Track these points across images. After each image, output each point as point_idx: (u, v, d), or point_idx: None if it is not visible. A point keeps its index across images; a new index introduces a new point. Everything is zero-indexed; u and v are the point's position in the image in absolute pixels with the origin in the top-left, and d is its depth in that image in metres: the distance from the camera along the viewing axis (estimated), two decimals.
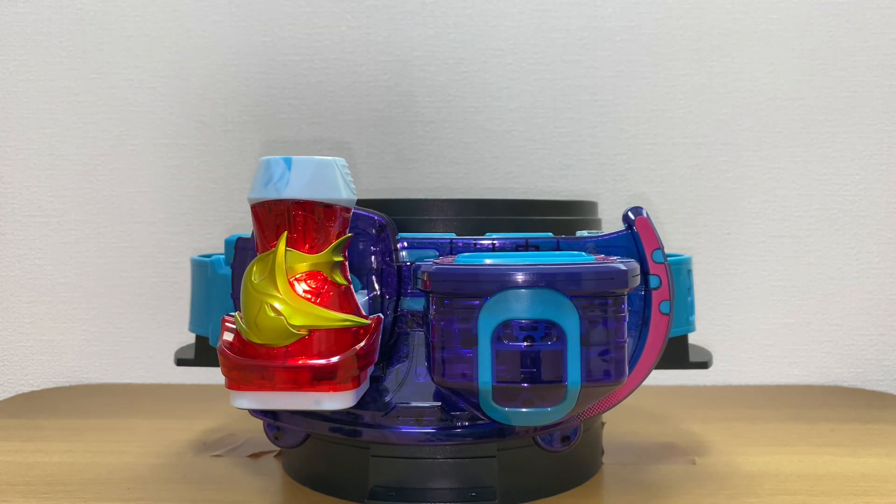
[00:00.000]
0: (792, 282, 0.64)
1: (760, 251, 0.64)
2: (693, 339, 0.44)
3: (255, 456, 0.45)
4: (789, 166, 0.63)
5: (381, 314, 0.33)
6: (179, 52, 0.64)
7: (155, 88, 0.65)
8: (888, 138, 0.63)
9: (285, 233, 0.30)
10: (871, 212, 0.63)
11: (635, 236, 0.35)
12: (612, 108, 0.64)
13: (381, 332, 0.32)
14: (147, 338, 0.65)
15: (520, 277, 0.30)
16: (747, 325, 0.64)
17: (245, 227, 0.63)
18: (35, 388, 0.66)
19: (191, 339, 0.47)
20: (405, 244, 0.35)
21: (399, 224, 0.36)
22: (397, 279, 0.35)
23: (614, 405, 0.34)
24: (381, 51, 0.64)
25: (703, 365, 0.42)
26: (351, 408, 0.32)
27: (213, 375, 0.48)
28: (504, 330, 0.30)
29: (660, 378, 0.61)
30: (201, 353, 0.43)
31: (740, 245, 0.64)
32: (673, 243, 0.63)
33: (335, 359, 0.30)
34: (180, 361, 0.44)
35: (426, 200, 0.39)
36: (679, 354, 0.41)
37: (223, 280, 0.38)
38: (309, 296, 0.30)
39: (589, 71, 0.64)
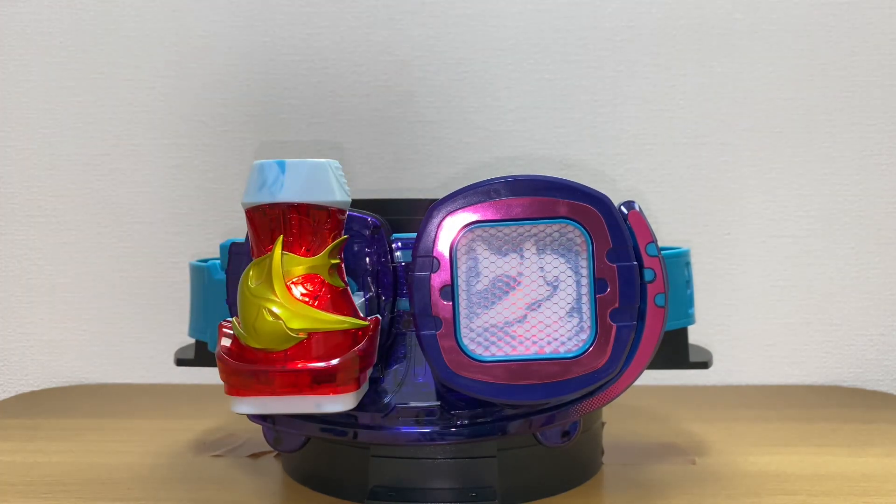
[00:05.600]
0: (792, 282, 0.64)
1: (760, 251, 0.64)
2: (693, 339, 0.44)
3: (254, 456, 0.45)
4: (789, 166, 0.63)
5: (378, 315, 0.33)
6: (179, 52, 0.64)
7: (155, 88, 0.65)
8: (888, 138, 0.63)
9: (281, 236, 0.30)
10: (871, 212, 0.63)
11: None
12: (612, 108, 0.64)
13: (379, 333, 0.32)
14: (147, 338, 0.65)
15: None
16: (747, 325, 0.64)
17: (245, 228, 0.63)
18: (35, 388, 0.66)
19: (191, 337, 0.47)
20: (400, 244, 0.35)
21: (398, 224, 0.36)
22: (393, 280, 0.35)
23: (612, 399, 0.34)
24: (381, 51, 0.64)
25: (703, 365, 0.42)
26: (350, 410, 0.32)
27: (212, 375, 0.47)
28: None
29: (660, 378, 0.61)
30: (201, 356, 0.43)
31: (740, 245, 0.64)
32: (672, 243, 0.63)
33: (335, 361, 0.30)
34: (180, 361, 0.44)
35: (425, 200, 0.39)
36: (679, 354, 0.41)
37: (219, 285, 0.38)
38: (306, 299, 0.30)
39: (589, 71, 0.64)
